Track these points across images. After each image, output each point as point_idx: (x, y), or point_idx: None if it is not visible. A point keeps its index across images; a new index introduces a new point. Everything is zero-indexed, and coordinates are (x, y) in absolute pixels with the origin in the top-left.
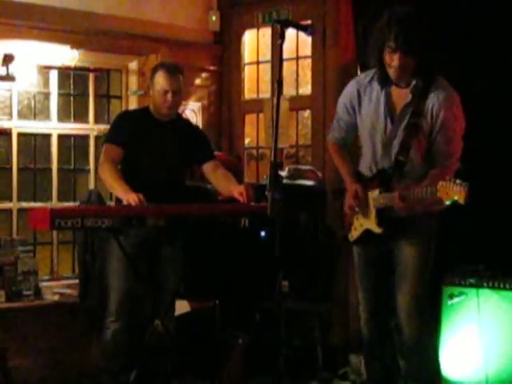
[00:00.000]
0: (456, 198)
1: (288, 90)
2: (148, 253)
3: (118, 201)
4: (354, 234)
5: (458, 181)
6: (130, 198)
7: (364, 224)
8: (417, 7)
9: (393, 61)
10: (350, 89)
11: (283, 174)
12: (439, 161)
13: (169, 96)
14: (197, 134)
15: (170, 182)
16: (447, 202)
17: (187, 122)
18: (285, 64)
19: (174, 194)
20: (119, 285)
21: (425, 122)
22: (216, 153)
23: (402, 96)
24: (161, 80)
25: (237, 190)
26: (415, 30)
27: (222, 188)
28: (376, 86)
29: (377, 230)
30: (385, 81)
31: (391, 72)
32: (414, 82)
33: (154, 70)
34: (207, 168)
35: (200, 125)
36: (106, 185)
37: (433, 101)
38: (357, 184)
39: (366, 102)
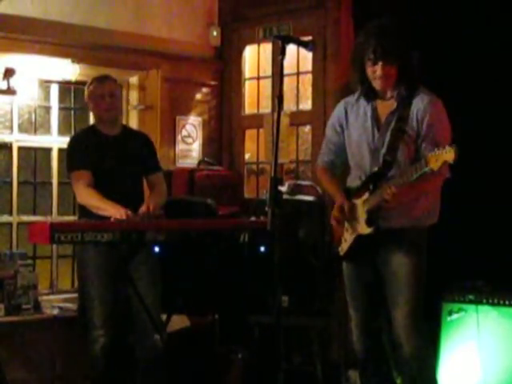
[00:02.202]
0: (446, 159)
1: (288, 106)
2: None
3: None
4: (345, 246)
5: (446, 147)
6: (117, 213)
7: (353, 232)
8: (392, 18)
9: (375, 72)
10: (338, 109)
11: (283, 189)
12: None
13: (106, 99)
14: (145, 142)
15: (131, 194)
16: (438, 165)
17: (134, 131)
18: (285, 79)
19: (136, 202)
20: (103, 295)
21: (410, 127)
22: (217, 167)
23: (387, 107)
24: (93, 88)
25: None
26: (392, 39)
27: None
28: (363, 102)
29: (366, 230)
30: (370, 95)
31: (376, 84)
32: (397, 91)
33: (90, 83)
34: (150, 180)
35: (200, 139)
36: (92, 208)
37: (417, 106)
38: (344, 198)
39: (353, 118)
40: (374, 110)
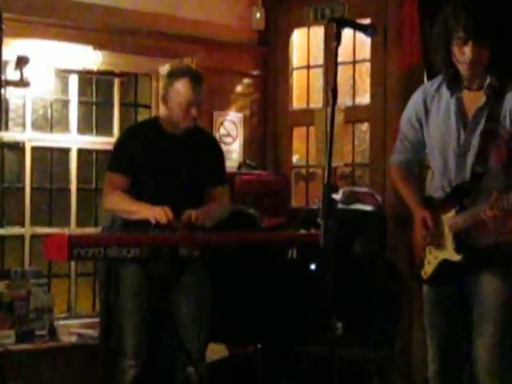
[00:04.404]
0: None
1: (343, 99)
2: (165, 284)
3: (140, 227)
4: (428, 270)
5: None
6: (156, 213)
7: (439, 255)
8: None
9: (464, 54)
10: (416, 100)
11: (337, 197)
12: None
13: (193, 110)
14: (213, 149)
15: (185, 204)
16: None
17: (203, 132)
18: (340, 69)
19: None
20: (137, 320)
21: (502, 128)
22: (259, 171)
23: (474, 100)
24: (185, 90)
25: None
26: (487, 14)
27: None
28: (445, 92)
29: (455, 257)
30: (455, 84)
31: (463, 69)
32: (487, 81)
33: (174, 76)
34: (209, 194)
35: (241, 139)
36: (121, 213)
37: (511, 102)
38: (425, 211)
39: (434, 113)
40: (459, 104)
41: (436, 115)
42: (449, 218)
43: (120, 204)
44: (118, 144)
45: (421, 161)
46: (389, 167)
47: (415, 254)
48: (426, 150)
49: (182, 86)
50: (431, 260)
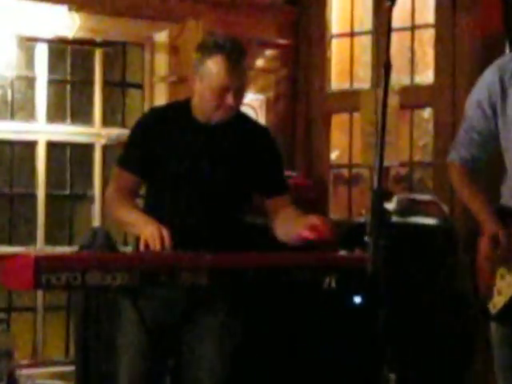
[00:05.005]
0: None
1: (398, 77)
2: (177, 322)
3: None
4: (498, 302)
5: None
6: (148, 235)
7: None
8: None
9: None
10: (489, 78)
11: (390, 206)
12: None
13: (229, 96)
14: (265, 145)
15: (218, 221)
16: None
17: (250, 125)
18: (394, 37)
19: (223, 238)
20: (133, 372)
21: None
22: (286, 173)
23: None
24: (218, 70)
25: (304, 226)
26: None
27: (286, 234)
28: None
29: None
30: None
31: None
32: None
33: (205, 51)
34: (271, 205)
35: None
36: (117, 222)
37: None
38: (497, 224)
39: None
40: None
41: None
42: None
43: (116, 210)
44: (134, 133)
45: (489, 159)
46: (448, 166)
47: (481, 280)
48: (498, 146)
49: (214, 66)
50: (503, 288)
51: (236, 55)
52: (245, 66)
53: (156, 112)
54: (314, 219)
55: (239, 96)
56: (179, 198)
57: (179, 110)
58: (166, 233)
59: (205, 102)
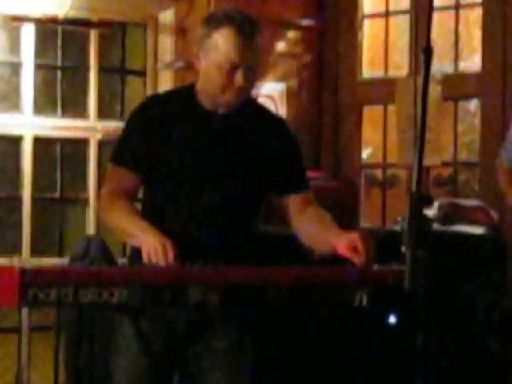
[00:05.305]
0: None
1: (441, 64)
2: (183, 345)
3: (135, 257)
4: None
5: None
6: (151, 248)
7: None
8: None
9: None
10: None
11: (431, 213)
12: None
13: (238, 75)
14: (280, 137)
15: (228, 228)
16: None
17: (263, 114)
18: (436, 17)
19: (234, 249)
20: None
21: None
22: (311, 173)
23: None
24: (227, 44)
25: (343, 242)
26: None
27: (313, 238)
28: None
29: None
30: None
31: None
32: None
33: (212, 24)
34: (290, 203)
35: None
36: (114, 230)
37: None
38: None
39: None
40: None
41: None
42: None
43: (114, 217)
44: (130, 124)
45: None
46: (496, 167)
47: None
48: None
49: (222, 39)
50: None
51: (248, 28)
52: (258, 42)
53: (155, 100)
54: (355, 237)
55: (250, 77)
56: (182, 200)
57: (182, 96)
58: (170, 244)
59: (210, 82)
